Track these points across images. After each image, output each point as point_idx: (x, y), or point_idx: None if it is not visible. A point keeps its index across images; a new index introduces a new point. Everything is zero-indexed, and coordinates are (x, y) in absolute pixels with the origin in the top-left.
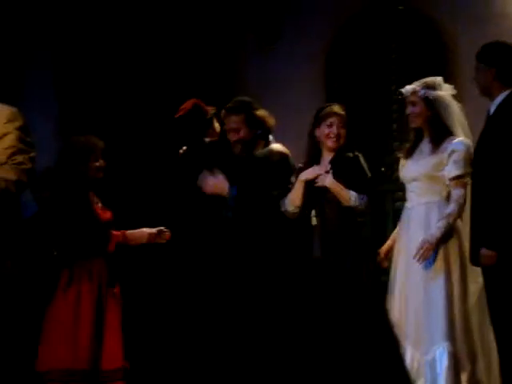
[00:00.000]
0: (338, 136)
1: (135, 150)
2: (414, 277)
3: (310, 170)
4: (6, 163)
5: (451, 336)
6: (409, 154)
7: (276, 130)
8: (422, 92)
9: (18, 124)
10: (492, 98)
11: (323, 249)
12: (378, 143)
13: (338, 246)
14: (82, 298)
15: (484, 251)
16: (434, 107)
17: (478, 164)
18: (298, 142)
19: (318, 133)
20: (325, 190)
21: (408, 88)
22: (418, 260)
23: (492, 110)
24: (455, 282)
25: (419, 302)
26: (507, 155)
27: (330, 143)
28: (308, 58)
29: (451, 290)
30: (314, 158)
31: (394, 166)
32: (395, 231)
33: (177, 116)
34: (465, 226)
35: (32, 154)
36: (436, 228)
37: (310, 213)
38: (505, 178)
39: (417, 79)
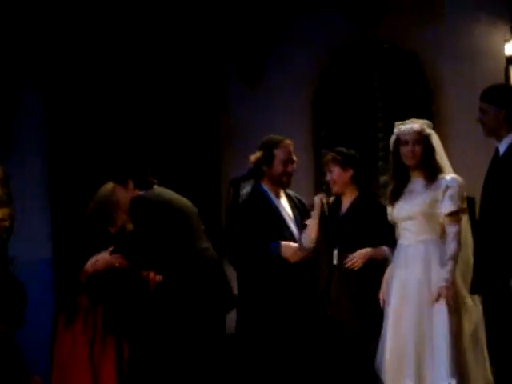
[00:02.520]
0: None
1: None
2: (411, 314)
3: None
4: None
5: (457, 372)
6: (396, 196)
7: None
8: (428, 131)
9: None
10: (499, 138)
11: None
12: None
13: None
14: (77, 340)
15: None
16: (432, 146)
17: (488, 198)
18: None
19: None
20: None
21: (413, 126)
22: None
23: (502, 149)
24: (453, 319)
25: (419, 339)
26: None
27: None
28: (294, 95)
29: (453, 327)
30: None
31: None
32: (387, 271)
33: None
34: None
35: (11, 211)
36: (447, 272)
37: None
38: None
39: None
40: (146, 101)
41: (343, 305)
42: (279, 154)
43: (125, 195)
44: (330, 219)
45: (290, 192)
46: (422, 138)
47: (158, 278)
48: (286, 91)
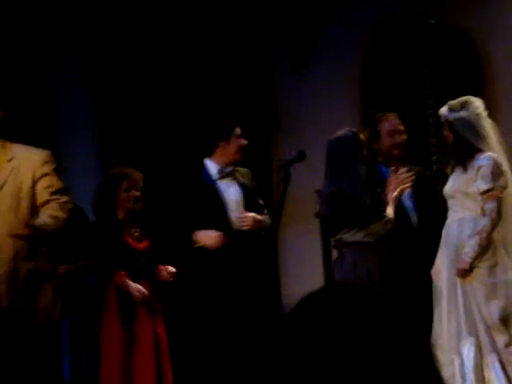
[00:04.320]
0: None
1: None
2: (454, 291)
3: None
4: (49, 201)
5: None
6: (451, 170)
7: (310, 150)
8: (444, 115)
9: (54, 166)
10: None
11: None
12: (416, 158)
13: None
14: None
15: None
16: (455, 129)
17: None
18: None
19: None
20: None
21: (439, 111)
22: (459, 277)
23: None
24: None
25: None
26: None
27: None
28: (341, 76)
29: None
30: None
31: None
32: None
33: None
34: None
35: (70, 196)
36: (469, 247)
37: None
38: None
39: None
40: (194, 87)
41: None
42: (383, 127)
43: None
44: None
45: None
46: (444, 123)
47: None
48: (332, 75)
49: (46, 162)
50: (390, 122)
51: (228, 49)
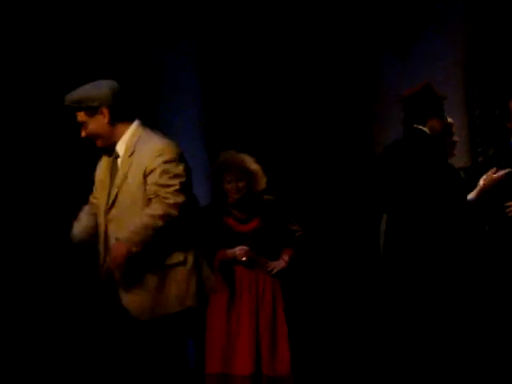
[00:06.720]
0: None
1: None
2: None
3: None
4: (156, 195)
5: None
6: None
7: None
8: None
9: (166, 158)
10: None
11: None
12: None
13: None
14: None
15: None
16: None
17: None
18: None
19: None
20: None
21: None
22: None
23: None
24: None
25: None
26: None
27: None
28: (446, 63)
29: None
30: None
31: None
32: None
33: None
34: None
35: (176, 187)
36: None
37: None
38: None
39: None
40: (298, 69)
41: None
42: None
43: None
44: None
45: None
46: None
47: None
48: (436, 61)
49: (159, 155)
50: None
51: (336, 36)
